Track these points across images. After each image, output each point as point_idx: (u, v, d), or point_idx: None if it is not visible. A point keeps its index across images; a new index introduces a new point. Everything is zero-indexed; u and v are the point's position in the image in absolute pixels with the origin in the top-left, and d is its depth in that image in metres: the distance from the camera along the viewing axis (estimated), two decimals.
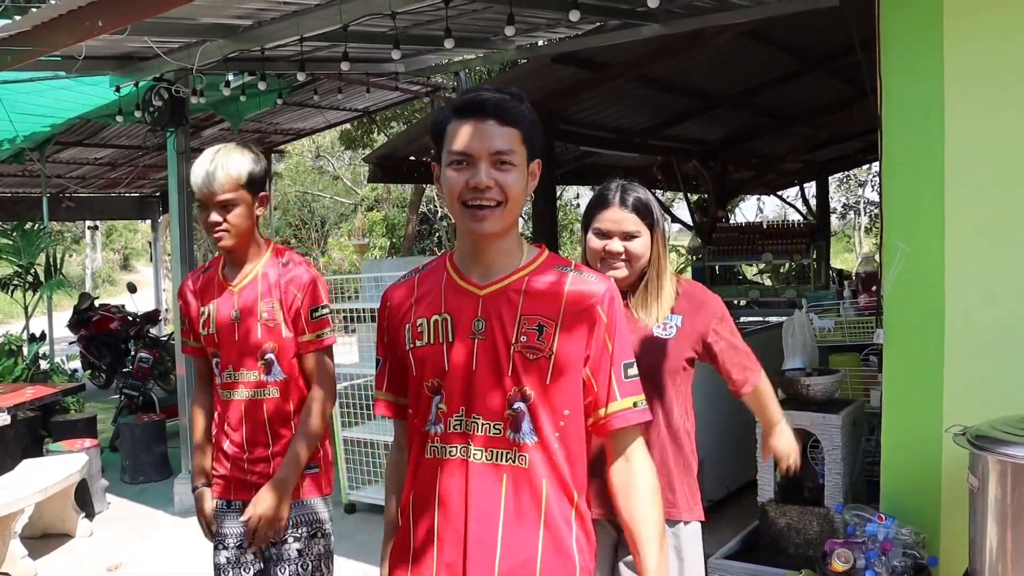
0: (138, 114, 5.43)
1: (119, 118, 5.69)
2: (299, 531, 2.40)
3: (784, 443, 2.48)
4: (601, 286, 1.55)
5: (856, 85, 8.04)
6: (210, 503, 2.48)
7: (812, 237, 9.79)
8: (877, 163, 3.18)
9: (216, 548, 2.46)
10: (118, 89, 5.51)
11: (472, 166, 1.48)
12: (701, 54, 6.86)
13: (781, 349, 4.20)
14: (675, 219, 11.76)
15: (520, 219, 1.63)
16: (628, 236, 2.15)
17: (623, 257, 2.15)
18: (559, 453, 1.51)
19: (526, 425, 1.49)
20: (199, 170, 2.30)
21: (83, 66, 4.98)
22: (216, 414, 2.48)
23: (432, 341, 1.55)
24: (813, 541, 3.57)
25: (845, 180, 22.22)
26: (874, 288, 4.74)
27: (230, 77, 5.49)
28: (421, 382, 1.57)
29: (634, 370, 1.58)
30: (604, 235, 2.16)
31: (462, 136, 1.48)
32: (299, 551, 2.39)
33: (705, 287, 2.35)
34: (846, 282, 7.21)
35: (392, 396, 1.68)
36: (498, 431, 1.49)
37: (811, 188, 13.81)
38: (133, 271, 28.49)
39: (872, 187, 21.79)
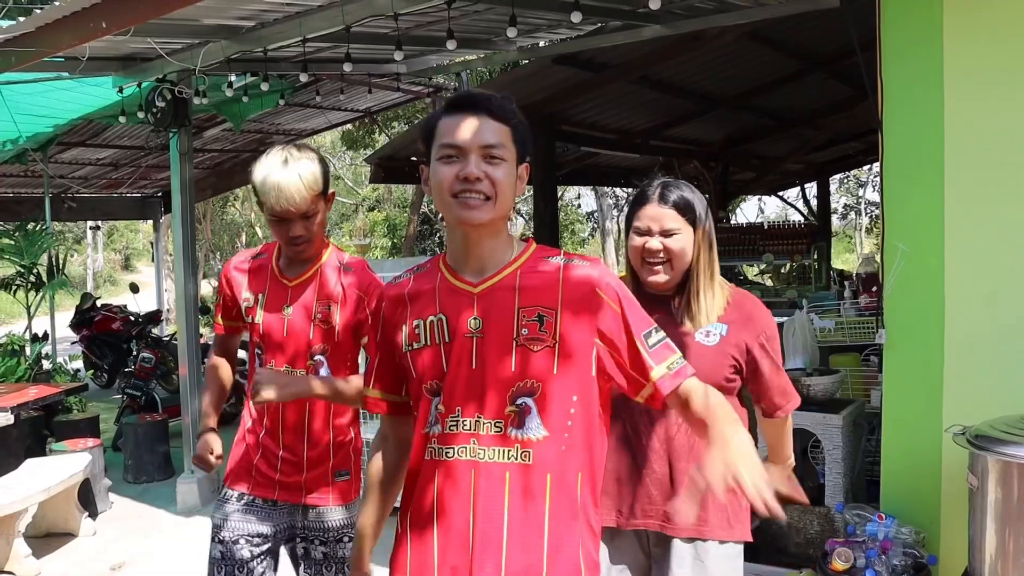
0: (141, 115, 5.45)
1: (122, 119, 5.70)
2: (327, 535, 2.38)
3: (778, 479, 2.15)
4: (595, 269, 1.55)
5: (857, 86, 8.07)
6: (216, 442, 2.40)
7: (813, 238, 9.80)
8: (877, 164, 3.18)
9: (226, 541, 2.34)
10: (121, 90, 5.53)
11: (463, 158, 1.48)
12: (702, 55, 6.86)
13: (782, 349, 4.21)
14: None
15: (517, 219, 1.61)
16: (667, 233, 2.04)
17: (663, 257, 2.04)
18: (567, 445, 1.49)
19: (533, 420, 1.48)
20: (275, 184, 2.17)
21: (86, 67, 5.00)
22: (251, 407, 2.40)
23: (429, 343, 1.55)
24: (814, 540, 3.59)
25: (845, 181, 22.24)
26: (874, 288, 4.75)
27: (232, 78, 5.51)
28: (420, 384, 1.56)
29: (657, 336, 1.56)
30: (643, 233, 2.07)
31: (454, 129, 1.48)
32: (324, 554, 2.38)
33: (758, 300, 2.19)
34: (847, 282, 7.21)
35: (383, 394, 1.68)
36: (499, 429, 1.48)
37: (812, 189, 13.82)
38: (135, 271, 28.53)
39: (872, 188, 21.82)
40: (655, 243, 2.05)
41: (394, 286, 1.65)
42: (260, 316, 2.33)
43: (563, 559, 1.49)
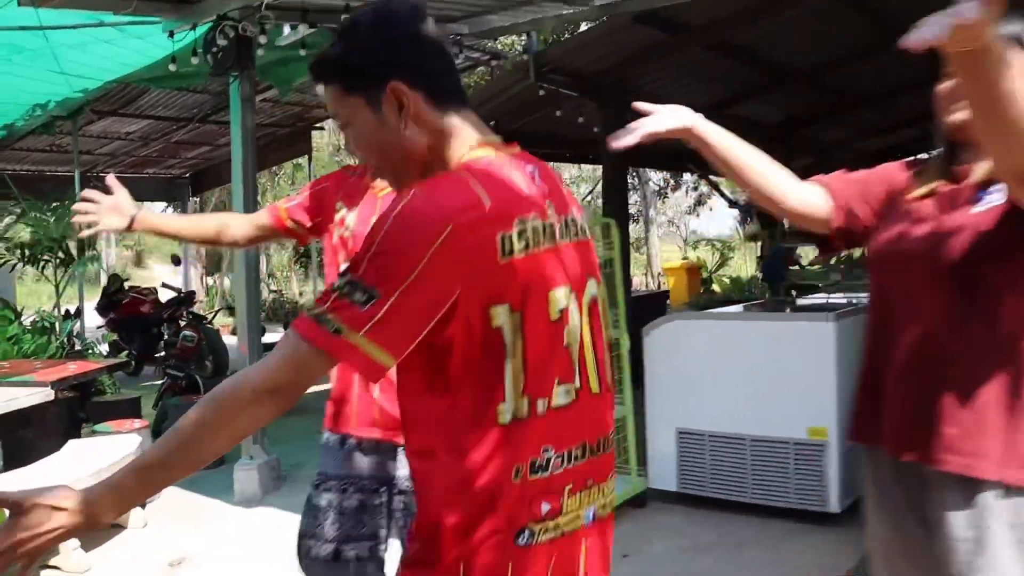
0: (195, 60, 4.93)
1: (172, 67, 5.16)
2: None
3: None
4: None
5: (934, 64, 7.59)
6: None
7: None
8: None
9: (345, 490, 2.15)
10: (172, 35, 5.00)
11: None
12: (785, 19, 6.43)
13: None
14: (731, 202, 11.36)
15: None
16: None
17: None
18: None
19: None
20: None
21: (137, 8, 4.48)
22: None
23: None
24: None
25: None
26: None
27: (287, 30, 5.02)
28: None
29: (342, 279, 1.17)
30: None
31: None
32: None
33: None
34: None
35: None
36: None
37: None
38: (146, 268, 28.10)
39: None
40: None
41: None
42: (350, 229, 2.24)
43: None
